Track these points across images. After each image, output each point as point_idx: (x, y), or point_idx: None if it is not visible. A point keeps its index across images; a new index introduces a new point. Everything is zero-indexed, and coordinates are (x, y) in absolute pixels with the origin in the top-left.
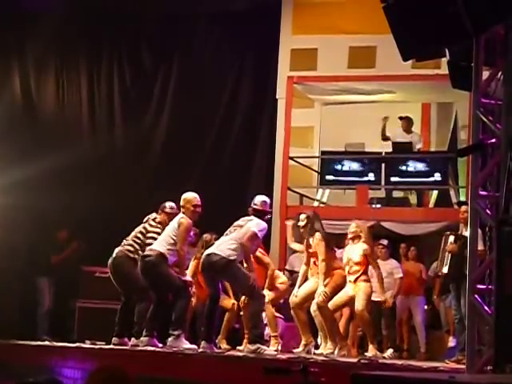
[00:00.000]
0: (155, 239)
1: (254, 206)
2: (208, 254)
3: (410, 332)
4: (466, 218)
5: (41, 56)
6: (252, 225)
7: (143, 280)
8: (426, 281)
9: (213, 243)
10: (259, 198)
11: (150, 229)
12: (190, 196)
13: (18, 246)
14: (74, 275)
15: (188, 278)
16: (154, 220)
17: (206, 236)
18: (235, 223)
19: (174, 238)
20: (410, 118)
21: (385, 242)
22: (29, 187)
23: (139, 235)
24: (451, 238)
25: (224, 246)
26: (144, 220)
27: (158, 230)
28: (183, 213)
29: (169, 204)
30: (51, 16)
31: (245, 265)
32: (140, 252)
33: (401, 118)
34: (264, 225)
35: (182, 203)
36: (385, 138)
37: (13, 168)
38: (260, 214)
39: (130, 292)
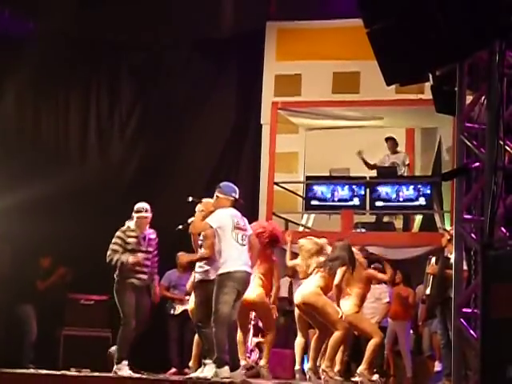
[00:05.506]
0: (133, 244)
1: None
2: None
3: (395, 357)
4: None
5: (20, 83)
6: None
7: (134, 305)
8: (413, 306)
9: None
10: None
11: (127, 240)
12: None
13: (1, 274)
14: (59, 303)
15: None
16: (127, 228)
17: None
18: (238, 225)
19: None
20: (395, 139)
21: (379, 265)
22: (12, 215)
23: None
24: (433, 260)
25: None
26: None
27: (132, 239)
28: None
29: (136, 207)
30: (30, 43)
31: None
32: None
33: (386, 140)
34: None
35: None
36: (371, 167)
37: None
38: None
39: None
